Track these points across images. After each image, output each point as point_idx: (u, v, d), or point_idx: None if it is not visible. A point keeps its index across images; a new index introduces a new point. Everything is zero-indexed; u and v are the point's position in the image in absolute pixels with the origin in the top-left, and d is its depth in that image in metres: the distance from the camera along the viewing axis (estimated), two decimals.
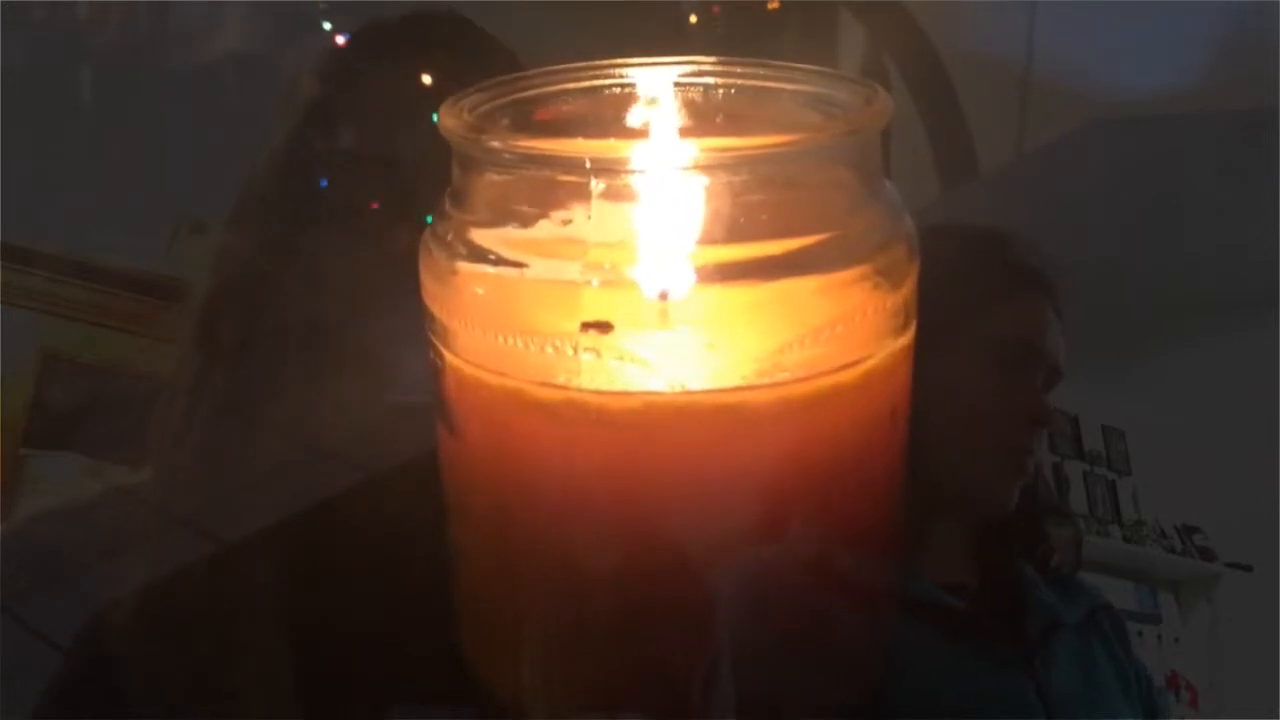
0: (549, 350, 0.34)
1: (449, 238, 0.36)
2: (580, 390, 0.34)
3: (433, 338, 0.37)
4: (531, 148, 0.34)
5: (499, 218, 0.36)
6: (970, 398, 0.74)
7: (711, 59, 0.39)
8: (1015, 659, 0.71)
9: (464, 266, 0.36)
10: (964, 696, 0.69)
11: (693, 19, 0.87)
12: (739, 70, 0.39)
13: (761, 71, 0.39)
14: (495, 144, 0.34)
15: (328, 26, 0.86)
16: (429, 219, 0.38)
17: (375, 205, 0.65)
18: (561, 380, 0.34)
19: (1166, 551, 1.22)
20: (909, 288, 0.37)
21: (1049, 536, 0.80)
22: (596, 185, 0.33)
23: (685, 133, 0.39)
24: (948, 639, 0.70)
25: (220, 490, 0.61)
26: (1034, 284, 0.77)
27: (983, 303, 0.76)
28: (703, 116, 0.39)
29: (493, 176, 0.36)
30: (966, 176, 0.92)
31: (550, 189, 0.34)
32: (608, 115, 0.39)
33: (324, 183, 0.66)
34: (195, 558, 0.57)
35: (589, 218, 0.34)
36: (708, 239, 0.34)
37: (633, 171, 0.33)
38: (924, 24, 0.90)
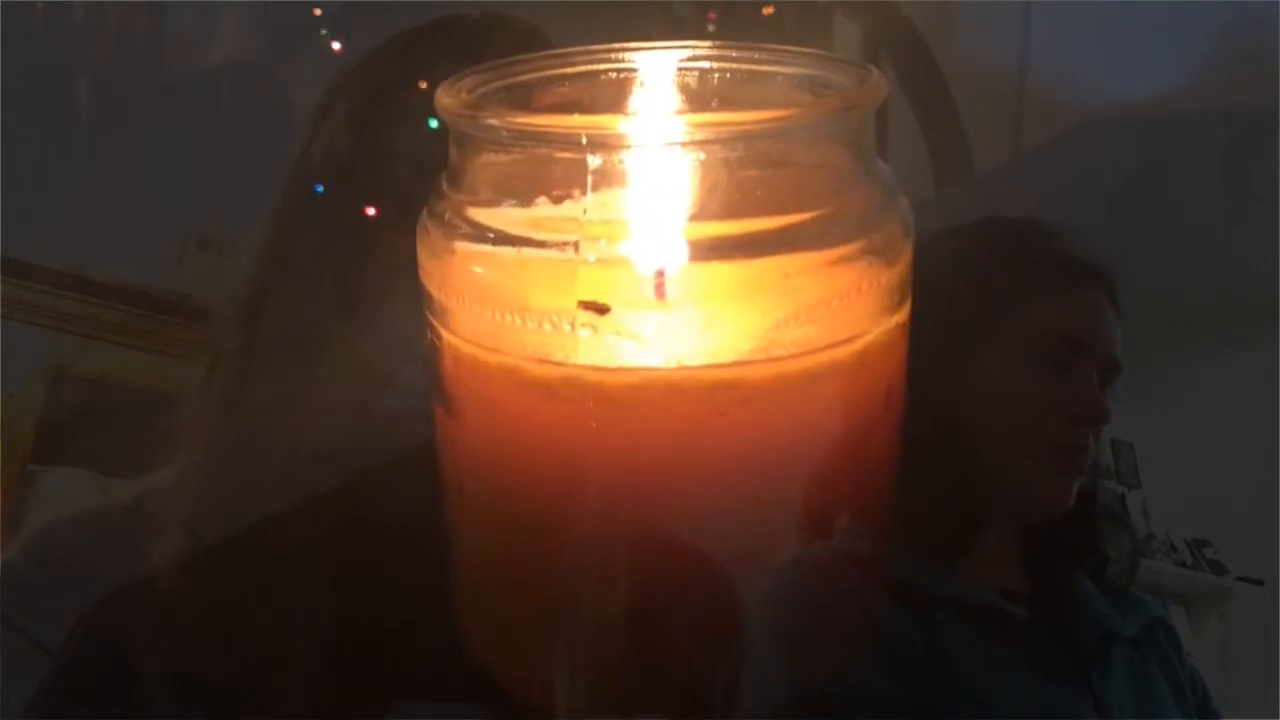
0: (546, 327, 0.34)
1: (446, 216, 0.36)
2: (577, 366, 0.34)
3: (430, 317, 0.37)
4: (528, 124, 0.34)
5: (496, 197, 0.36)
6: (1020, 396, 0.73)
7: (707, 43, 0.39)
8: (1073, 672, 0.70)
9: (461, 245, 0.36)
10: (1020, 707, 0.68)
11: (686, 22, 0.88)
12: (734, 54, 0.39)
13: (756, 55, 0.39)
14: (492, 121, 0.35)
15: (324, 32, 0.86)
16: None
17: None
18: (559, 357, 0.34)
19: (1177, 565, 1.22)
20: (903, 265, 0.37)
21: (1106, 546, 0.79)
22: (593, 161, 0.34)
23: (681, 115, 0.39)
24: (1006, 647, 0.69)
25: (244, 501, 0.60)
26: (1085, 276, 0.75)
27: (1029, 298, 0.75)
28: (698, 100, 0.39)
29: (490, 155, 0.36)
30: (962, 177, 0.92)
31: (547, 167, 0.35)
32: (604, 99, 0.39)
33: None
34: (187, 555, 0.57)
35: (585, 195, 0.34)
36: (703, 216, 0.35)
37: (629, 147, 0.34)
38: (920, 27, 0.91)
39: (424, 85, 0.62)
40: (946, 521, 0.71)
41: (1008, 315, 0.74)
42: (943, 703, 0.66)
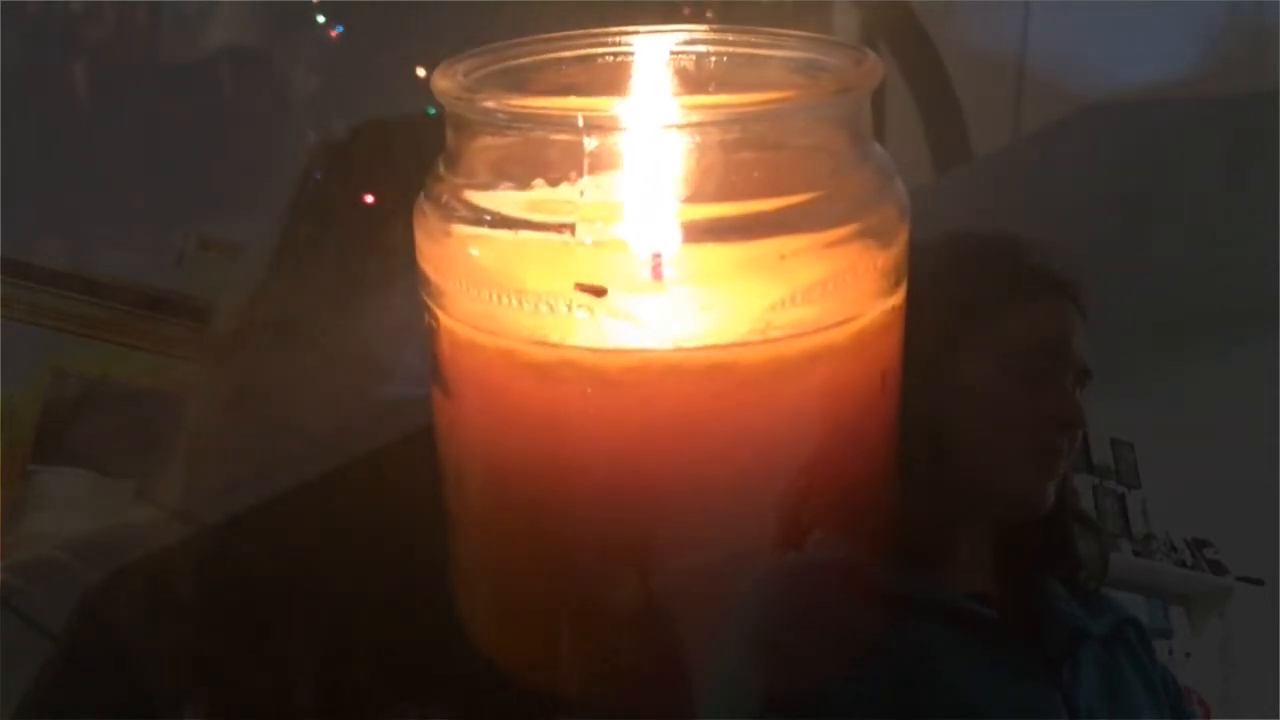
0: (543, 309, 0.34)
1: (443, 199, 0.36)
2: (574, 349, 0.34)
3: (427, 300, 0.37)
4: (525, 106, 0.34)
5: (493, 179, 0.36)
6: (997, 402, 0.74)
7: (703, 27, 0.39)
8: (1043, 670, 0.71)
9: (458, 228, 0.36)
10: (992, 706, 0.69)
11: (685, 14, 0.88)
12: (731, 38, 0.39)
13: (753, 39, 0.39)
14: (489, 104, 0.35)
15: (321, 19, 0.86)
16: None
17: None
18: (555, 339, 0.34)
19: (1177, 565, 1.21)
20: (899, 248, 0.37)
21: (1076, 549, 0.79)
22: (589, 144, 0.34)
23: (677, 97, 0.39)
24: (977, 648, 0.70)
25: (242, 486, 0.60)
26: (1055, 287, 0.77)
27: (1003, 307, 0.76)
28: (695, 83, 0.39)
29: (486, 138, 0.36)
30: (961, 162, 0.92)
31: (543, 149, 0.35)
32: (601, 82, 0.39)
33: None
34: (185, 541, 0.57)
35: (582, 177, 0.34)
36: (699, 197, 0.35)
37: (625, 129, 0.34)
38: (919, 11, 0.91)
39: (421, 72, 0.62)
40: (925, 527, 0.72)
41: (980, 326, 0.75)
42: (916, 704, 0.66)
